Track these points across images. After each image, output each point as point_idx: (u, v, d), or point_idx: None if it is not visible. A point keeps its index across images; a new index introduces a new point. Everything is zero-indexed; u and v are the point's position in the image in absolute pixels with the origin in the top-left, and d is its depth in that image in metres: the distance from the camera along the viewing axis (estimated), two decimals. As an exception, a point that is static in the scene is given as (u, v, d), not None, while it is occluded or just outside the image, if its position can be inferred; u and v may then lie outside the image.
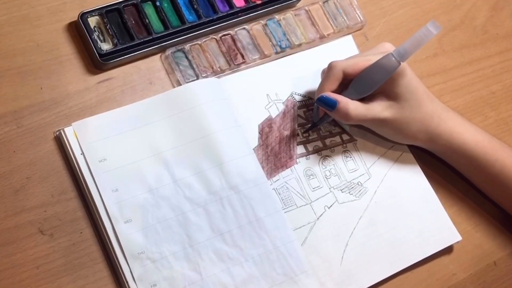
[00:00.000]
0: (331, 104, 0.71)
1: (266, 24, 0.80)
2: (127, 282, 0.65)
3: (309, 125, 0.77)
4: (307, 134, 0.76)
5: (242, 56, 0.77)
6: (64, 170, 0.68)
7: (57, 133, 0.69)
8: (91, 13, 0.72)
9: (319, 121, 0.75)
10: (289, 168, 0.74)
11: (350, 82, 0.73)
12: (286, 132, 0.76)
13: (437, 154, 0.79)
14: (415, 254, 0.75)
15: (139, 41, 0.73)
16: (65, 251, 0.66)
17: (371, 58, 0.72)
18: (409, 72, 0.72)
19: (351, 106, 0.71)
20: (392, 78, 0.71)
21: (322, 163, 0.76)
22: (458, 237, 0.77)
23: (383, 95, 0.73)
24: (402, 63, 0.70)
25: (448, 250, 0.77)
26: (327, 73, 0.73)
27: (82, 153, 0.67)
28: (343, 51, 0.81)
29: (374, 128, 0.76)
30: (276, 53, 0.79)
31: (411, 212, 0.76)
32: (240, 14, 0.78)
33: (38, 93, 0.70)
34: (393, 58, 0.70)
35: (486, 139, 0.76)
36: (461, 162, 0.78)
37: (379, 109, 0.72)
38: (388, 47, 0.74)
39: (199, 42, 0.76)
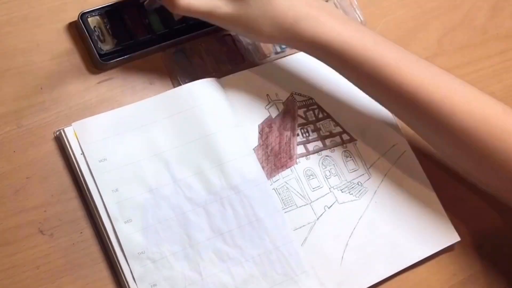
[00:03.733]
0: None
1: (266, 24, 0.80)
2: (127, 282, 0.65)
3: None
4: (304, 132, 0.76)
5: (242, 57, 0.77)
6: (64, 170, 0.68)
7: (57, 133, 0.69)
8: (91, 13, 0.72)
9: (147, 4, 0.71)
10: (289, 168, 0.74)
11: None
12: (286, 132, 0.76)
13: (301, 51, 0.72)
14: (415, 254, 0.75)
15: (139, 41, 0.73)
16: (65, 251, 0.66)
17: None
18: None
19: None
20: None
21: (322, 163, 0.76)
22: (457, 238, 0.77)
23: None
24: None
25: (448, 250, 0.77)
26: None
27: (82, 153, 0.67)
28: (343, 51, 0.81)
29: (221, 25, 0.70)
30: (276, 53, 0.79)
31: (411, 212, 0.76)
32: (240, 14, 0.78)
33: (38, 93, 0.70)
34: None
35: (355, 36, 0.68)
36: (327, 60, 0.70)
37: (219, 3, 0.66)
38: None
39: (199, 42, 0.76)
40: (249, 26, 0.68)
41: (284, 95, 0.77)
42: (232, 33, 0.77)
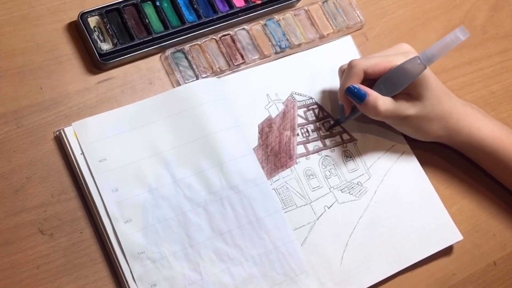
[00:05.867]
0: (361, 96, 0.72)
1: (265, 24, 0.80)
2: (127, 282, 0.65)
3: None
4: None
5: (242, 57, 0.77)
6: (64, 170, 0.68)
7: (57, 133, 0.69)
8: (91, 13, 0.72)
9: (345, 119, 0.76)
10: (289, 168, 0.74)
11: (369, 82, 0.73)
12: (286, 132, 0.76)
13: (458, 149, 0.80)
14: (415, 254, 0.75)
15: (139, 41, 0.73)
16: (65, 251, 0.66)
17: (392, 59, 0.72)
18: (429, 73, 0.73)
19: (380, 100, 0.72)
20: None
21: (322, 163, 0.76)
22: (460, 237, 0.77)
23: (406, 95, 0.74)
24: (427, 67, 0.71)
25: (448, 250, 0.77)
26: (348, 71, 0.73)
27: (82, 153, 0.67)
28: (343, 51, 0.81)
29: (396, 125, 0.77)
30: (276, 53, 0.79)
31: (412, 212, 0.76)
32: (240, 14, 0.78)
33: (38, 93, 0.70)
34: (419, 62, 0.70)
35: (504, 133, 0.77)
36: (481, 157, 0.79)
37: (404, 106, 0.73)
38: (406, 48, 0.75)
39: (198, 42, 0.76)
40: (420, 126, 0.75)
41: (284, 95, 0.77)
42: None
